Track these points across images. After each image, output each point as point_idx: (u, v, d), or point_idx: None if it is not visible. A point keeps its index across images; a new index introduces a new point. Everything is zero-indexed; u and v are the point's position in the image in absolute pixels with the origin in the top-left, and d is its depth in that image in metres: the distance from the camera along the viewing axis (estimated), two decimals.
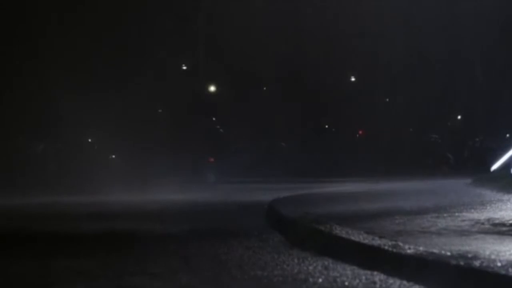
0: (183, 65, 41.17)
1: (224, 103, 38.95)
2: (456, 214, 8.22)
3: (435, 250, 5.03)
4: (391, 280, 4.78)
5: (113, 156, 39.43)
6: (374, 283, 4.75)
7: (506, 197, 11.28)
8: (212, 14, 38.38)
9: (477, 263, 4.41)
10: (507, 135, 35.44)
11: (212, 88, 42.44)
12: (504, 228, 6.56)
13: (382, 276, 4.93)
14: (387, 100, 43.30)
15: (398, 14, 36.74)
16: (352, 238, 6.01)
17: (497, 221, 7.19)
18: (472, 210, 8.70)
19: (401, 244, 5.43)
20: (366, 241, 5.76)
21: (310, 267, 5.45)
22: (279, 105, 38.45)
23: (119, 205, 13.93)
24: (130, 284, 4.93)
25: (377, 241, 5.70)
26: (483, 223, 7.04)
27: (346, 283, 4.77)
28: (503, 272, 4.14)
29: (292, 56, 39.10)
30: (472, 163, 33.05)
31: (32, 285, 5.06)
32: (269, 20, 36.69)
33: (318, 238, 6.61)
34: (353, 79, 44.06)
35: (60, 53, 31.78)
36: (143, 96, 35.26)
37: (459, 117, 44.91)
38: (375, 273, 5.06)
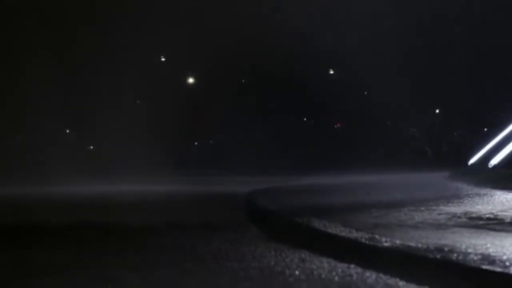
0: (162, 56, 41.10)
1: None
2: (433, 207, 8.24)
3: (412, 244, 5.03)
4: (367, 273, 4.78)
5: (91, 147, 39.27)
6: (351, 275, 4.74)
7: (483, 191, 11.35)
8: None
9: (453, 257, 4.41)
10: (485, 129, 35.66)
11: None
12: (481, 222, 6.58)
13: (359, 269, 4.93)
14: (365, 93, 43.35)
15: (378, 7, 36.79)
16: (329, 230, 6.01)
17: (473, 215, 7.22)
18: (449, 204, 8.74)
19: (377, 237, 5.43)
20: (343, 234, 5.76)
21: (287, 260, 5.44)
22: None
23: (95, 196, 13.84)
24: (107, 276, 4.89)
25: (354, 234, 5.69)
26: (460, 217, 7.06)
27: (323, 276, 4.76)
28: (479, 265, 4.14)
29: (271, 50, 39.06)
30: (450, 157, 33.27)
31: (6, 277, 4.99)
32: (248, 12, 36.60)
33: (295, 231, 6.60)
34: (331, 72, 44.09)
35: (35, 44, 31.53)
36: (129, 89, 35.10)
37: (437, 111, 45.09)
38: (352, 265, 5.06)
